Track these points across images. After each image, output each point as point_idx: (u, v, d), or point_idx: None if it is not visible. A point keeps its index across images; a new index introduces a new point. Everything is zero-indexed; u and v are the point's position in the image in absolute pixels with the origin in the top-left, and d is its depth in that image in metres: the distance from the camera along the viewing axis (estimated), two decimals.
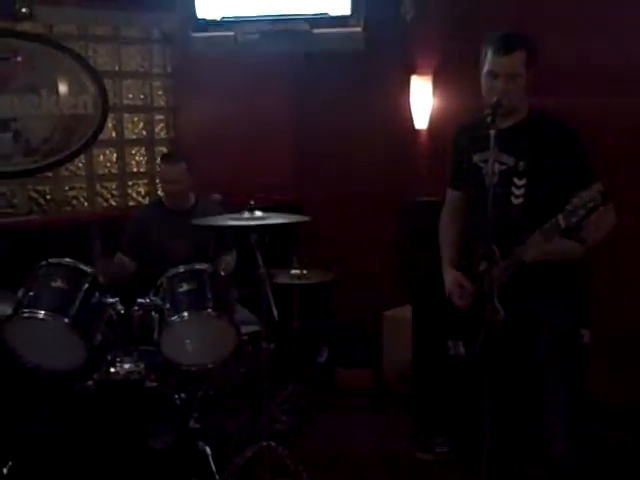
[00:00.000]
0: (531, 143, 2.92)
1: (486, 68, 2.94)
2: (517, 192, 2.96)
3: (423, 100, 4.80)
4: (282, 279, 4.22)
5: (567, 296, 2.99)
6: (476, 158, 3.04)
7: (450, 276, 3.22)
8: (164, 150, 5.25)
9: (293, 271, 4.33)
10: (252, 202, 3.38)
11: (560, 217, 2.67)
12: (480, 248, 2.97)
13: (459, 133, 3.22)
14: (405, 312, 4.49)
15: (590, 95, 3.79)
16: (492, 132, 2.72)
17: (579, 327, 2.99)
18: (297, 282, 4.29)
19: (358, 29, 4.52)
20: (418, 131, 4.88)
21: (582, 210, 2.61)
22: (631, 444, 3.67)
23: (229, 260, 4.26)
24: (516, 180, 2.95)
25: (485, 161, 3.00)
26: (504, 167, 2.98)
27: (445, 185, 3.37)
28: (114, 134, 5.13)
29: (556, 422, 2.97)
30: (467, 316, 3.15)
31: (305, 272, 4.34)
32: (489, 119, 2.74)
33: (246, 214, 3.36)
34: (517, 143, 2.95)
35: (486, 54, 2.95)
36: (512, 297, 2.91)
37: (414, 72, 4.82)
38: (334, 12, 4.52)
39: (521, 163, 2.93)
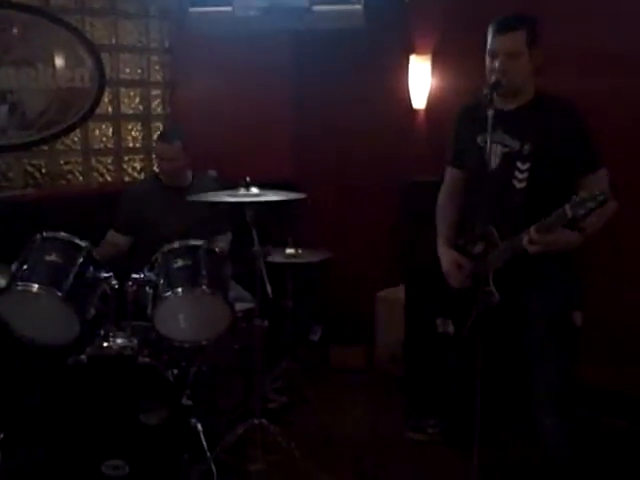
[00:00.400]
0: (536, 126, 2.88)
1: (487, 48, 2.92)
2: (520, 176, 2.91)
3: (422, 80, 4.78)
4: (277, 258, 4.22)
5: (562, 280, 2.97)
6: (480, 139, 2.98)
7: (447, 256, 3.20)
8: (160, 126, 5.23)
9: (288, 250, 4.33)
10: (248, 179, 3.37)
11: (567, 207, 2.59)
12: (478, 229, 2.96)
13: (462, 112, 3.18)
14: (399, 293, 4.50)
15: (591, 79, 3.78)
16: (490, 112, 2.71)
17: (573, 310, 2.99)
18: (292, 261, 4.29)
19: (358, 7, 4.50)
20: (416, 111, 4.87)
21: (591, 203, 2.54)
22: (625, 429, 3.70)
23: (224, 242, 4.25)
24: (519, 164, 2.91)
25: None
26: (507, 150, 2.94)
27: (445, 163, 3.33)
28: (110, 109, 5.08)
29: (544, 402, 2.98)
30: (458, 295, 3.15)
31: (300, 251, 4.34)
32: (487, 99, 2.73)
33: (242, 190, 3.35)
34: (522, 126, 2.91)
35: (488, 36, 2.93)
36: (507, 281, 2.91)
37: (413, 52, 4.80)
38: None
39: (526, 147, 2.89)
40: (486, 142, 2.90)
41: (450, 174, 3.32)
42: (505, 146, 2.95)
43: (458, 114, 3.21)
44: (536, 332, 2.96)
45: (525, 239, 2.75)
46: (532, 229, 2.72)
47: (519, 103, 2.95)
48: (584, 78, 3.79)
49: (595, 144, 2.89)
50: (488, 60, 2.91)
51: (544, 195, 2.86)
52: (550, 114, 2.88)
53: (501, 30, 2.88)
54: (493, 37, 2.90)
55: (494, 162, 2.96)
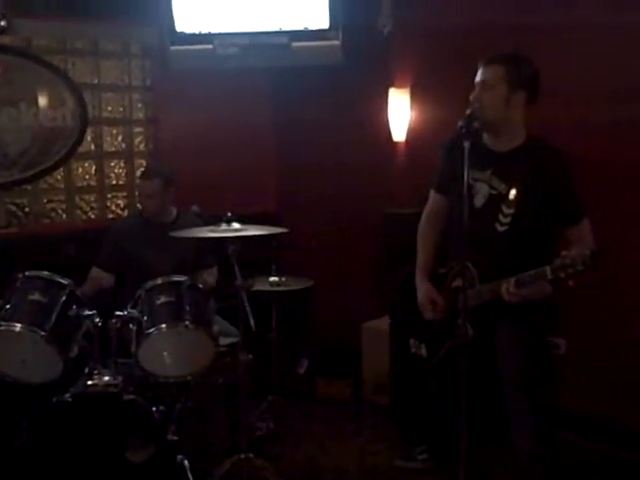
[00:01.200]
0: (525, 172, 2.90)
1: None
2: (504, 220, 2.95)
3: (401, 112, 4.83)
4: (261, 286, 4.24)
5: (536, 308, 2.98)
6: (469, 174, 2.90)
7: (423, 289, 3.25)
8: (143, 162, 5.26)
9: (272, 278, 4.35)
10: (229, 214, 3.39)
11: (548, 270, 2.66)
12: (458, 265, 2.98)
13: (455, 141, 3.01)
14: (384, 323, 4.51)
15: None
16: (466, 144, 2.74)
17: (549, 336, 3.02)
18: (276, 289, 4.30)
19: (336, 42, 4.56)
20: (396, 143, 4.92)
21: (571, 269, 2.59)
22: (610, 454, 3.72)
23: (210, 276, 4.26)
24: (504, 208, 2.94)
25: (477, 180, 3.00)
26: (495, 192, 2.97)
27: (430, 186, 3.36)
28: (93, 147, 5.12)
29: (521, 430, 3.01)
30: (433, 323, 3.19)
31: (284, 279, 4.36)
32: (463, 131, 2.77)
33: (223, 226, 3.37)
34: (511, 170, 2.94)
35: None
36: (482, 317, 2.94)
37: (392, 85, 4.86)
38: (312, 26, 4.56)
39: (512, 191, 2.92)
40: (476, 179, 2.95)
41: (434, 198, 3.35)
42: (492, 188, 2.98)
43: (448, 142, 3.18)
44: (510, 362, 3.00)
45: (504, 288, 2.80)
46: (512, 284, 2.77)
47: (510, 146, 2.98)
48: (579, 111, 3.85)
49: (579, 195, 2.93)
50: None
51: (525, 240, 2.91)
52: (538, 162, 2.90)
53: (482, 62, 2.97)
54: (479, 70, 2.97)
55: (479, 201, 3.01)
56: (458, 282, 2.98)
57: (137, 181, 4.31)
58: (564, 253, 2.62)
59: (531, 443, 2.99)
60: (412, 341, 3.37)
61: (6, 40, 4.63)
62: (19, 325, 3.03)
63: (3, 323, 3.05)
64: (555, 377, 3.07)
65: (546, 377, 3.01)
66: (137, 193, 4.98)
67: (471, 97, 2.94)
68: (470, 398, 2.72)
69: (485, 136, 3.02)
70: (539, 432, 3.00)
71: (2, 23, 4.47)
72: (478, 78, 2.96)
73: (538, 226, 2.92)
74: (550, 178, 2.88)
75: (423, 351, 3.30)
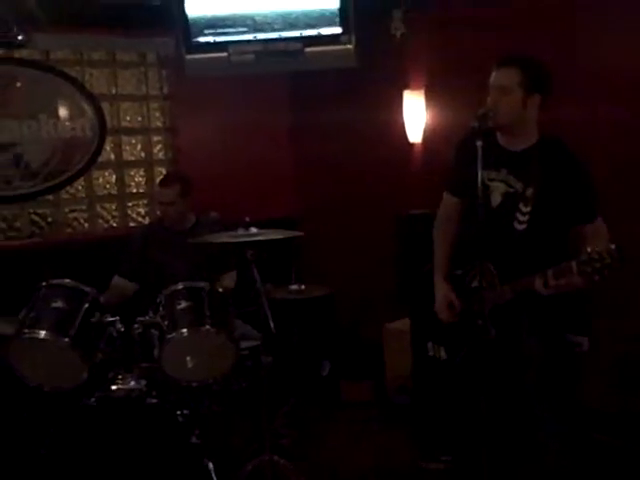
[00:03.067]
0: (541, 171, 2.90)
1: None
2: (521, 218, 2.95)
3: (416, 114, 4.85)
4: (280, 294, 4.26)
5: (559, 306, 2.98)
6: (483, 174, 2.91)
7: (441, 292, 3.25)
8: (163, 170, 5.32)
9: (291, 287, 4.37)
10: (247, 219, 3.43)
11: (574, 264, 2.64)
12: (477, 265, 2.99)
13: (465, 142, 3.05)
14: (405, 325, 4.52)
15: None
16: (479, 144, 2.75)
17: (570, 335, 3.02)
18: (295, 297, 4.33)
19: (349, 47, 4.59)
20: (412, 145, 4.93)
21: (598, 263, 2.57)
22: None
23: (229, 279, 4.30)
24: (522, 206, 2.94)
25: (492, 179, 3.01)
26: (511, 190, 2.98)
27: (444, 188, 3.36)
28: (113, 156, 5.19)
29: (545, 428, 3.00)
30: (452, 325, 3.19)
31: (303, 287, 4.38)
32: (475, 130, 2.78)
33: (241, 231, 3.41)
34: (527, 168, 2.94)
35: None
36: (504, 316, 2.95)
37: (406, 87, 4.88)
38: (326, 31, 4.59)
39: (529, 190, 2.92)
40: (492, 179, 2.95)
41: (448, 200, 3.35)
42: (509, 186, 2.99)
43: (460, 143, 3.19)
44: (533, 360, 2.99)
45: (539, 282, 2.78)
46: (550, 276, 2.74)
47: (525, 145, 2.98)
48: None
49: (593, 193, 2.93)
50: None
51: (544, 238, 2.91)
52: (554, 161, 2.91)
53: (497, 65, 2.96)
54: (493, 72, 2.97)
55: (495, 200, 3.01)
56: (476, 282, 2.98)
57: (157, 190, 4.34)
58: (590, 248, 2.60)
59: (557, 442, 2.97)
60: (430, 344, 3.38)
61: (24, 54, 4.72)
62: (43, 332, 3.07)
63: (27, 330, 3.10)
64: (579, 375, 3.06)
65: (569, 375, 3.01)
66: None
67: (487, 101, 2.94)
68: (492, 399, 2.73)
69: (499, 135, 3.03)
70: (564, 431, 2.98)
71: (20, 37, 4.53)
72: (493, 81, 2.95)
73: (555, 223, 2.92)
74: (565, 176, 2.88)
75: (442, 354, 3.31)
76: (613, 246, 2.57)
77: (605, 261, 2.56)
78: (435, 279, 3.29)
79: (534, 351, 2.99)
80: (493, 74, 2.97)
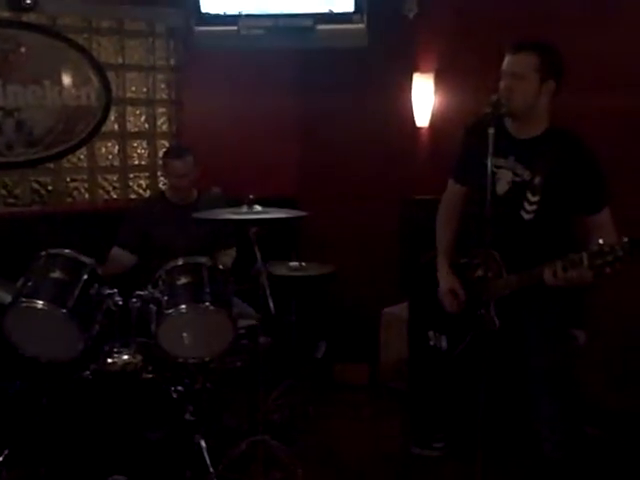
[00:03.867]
0: (550, 159, 2.87)
1: (501, 70, 2.94)
2: (529, 208, 2.92)
3: (425, 98, 4.81)
4: (280, 271, 4.24)
5: (560, 300, 2.97)
6: (489, 162, 2.86)
7: (445, 280, 3.23)
8: (166, 143, 5.27)
9: (291, 263, 4.35)
10: (251, 196, 3.40)
11: (584, 256, 2.60)
12: (481, 254, 2.96)
13: (472, 128, 2.97)
14: (403, 310, 4.50)
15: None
16: (491, 131, 2.71)
17: (569, 328, 3.00)
18: (295, 274, 4.30)
19: (361, 26, 4.55)
20: (419, 129, 4.89)
21: (610, 256, 2.53)
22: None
23: (228, 256, 4.27)
24: (529, 195, 2.91)
25: (500, 167, 2.97)
26: (518, 179, 2.95)
27: (449, 175, 3.33)
28: (116, 126, 5.14)
29: (544, 423, 3.00)
30: (455, 315, 3.17)
31: (303, 264, 4.35)
32: (488, 117, 2.75)
33: (245, 208, 3.37)
34: (535, 157, 2.91)
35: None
36: (507, 308, 2.92)
37: (416, 70, 4.83)
38: (337, 9, 4.54)
39: (537, 178, 2.89)
40: (498, 167, 2.92)
41: (453, 187, 3.33)
42: (516, 174, 2.95)
43: (467, 129, 3.09)
44: (536, 351, 2.98)
45: (548, 273, 2.73)
46: (559, 267, 2.70)
47: (534, 133, 2.95)
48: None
49: (602, 183, 2.89)
50: (501, 80, 2.93)
51: (552, 228, 2.88)
52: (562, 149, 2.87)
53: (511, 50, 2.91)
54: (506, 57, 2.92)
55: (502, 188, 2.98)
56: (481, 272, 2.95)
57: (166, 160, 4.21)
58: (602, 240, 2.56)
59: (555, 434, 2.97)
60: (431, 333, 3.35)
61: (32, 18, 4.66)
62: (41, 302, 3.05)
63: (25, 300, 3.08)
64: (574, 369, 3.05)
65: (569, 369, 2.99)
66: (164, 173, 4.73)
67: (501, 86, 2.90)
68: (492, 389, 2.71)
69: (507, 122, 2.99)
70: (564, 421, 2.98)
71: (28, 1, 4.49)
72: (507, 67, 2.91)
73: (563, 213, 2.89)
74: (573, 165, 2.85)
75: (444, 343, 3.28)
76: (626, 239, 2.54)
77: (617, 254, 2.52)
78: (439, 267, 3.27)
79: (536, 342, 2.97)
80: (507, 59, 2.92)
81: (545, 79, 2.87)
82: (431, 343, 3.35)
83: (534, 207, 2.91)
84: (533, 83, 2.86)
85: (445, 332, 3.28)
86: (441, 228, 3.34)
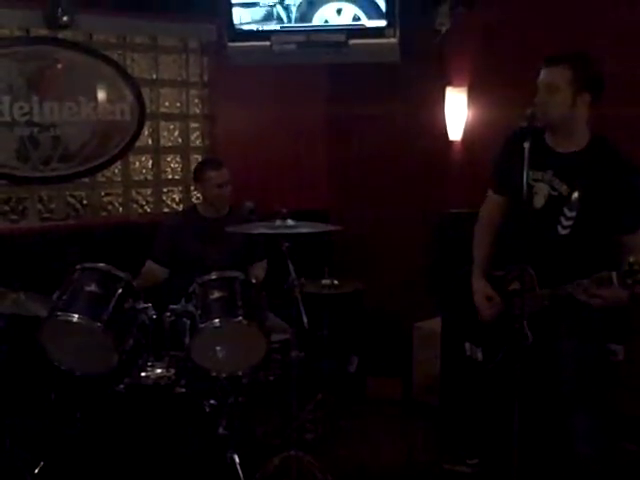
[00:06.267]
0: (588, 175, 2.84)
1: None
2: (565, 223, 2.90)
3: (458, 112, 4.79)
4: (313, 289, 4.23)
5: (595, 314, 2.89)
6: (529, 175, 2.82)
7: (480, 289, 3.20)
8: (199, 158, 5.29)
9: (324, 281, 4.34)
10: (284, 210, 3.40)
11: (614, 275, 2.58)
12: (516, 268, 2.93)
13: (516, 140, 2.89)
14: (436, 324, 4.47)
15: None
16: (526, 145, 2.70)
17: (607, 343, 2.96)
18: (328, 292, 4.30)
19: (393, 40, 4.55)
20: (452, 142, 4.87)
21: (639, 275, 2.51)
22: None
23: (260, 269, 4.28)
24: (566, 211, 2.89)
25: (537, 180, 2.95)
26: (555, 193, 2.92)
27: (488, 185, 3.30)
28: (150, 141, 5.19)
29: (579, 439, 2.95)
30: (490, 327, 3.14)
31: (336, 282, 4.35)
32: (524, 131, 2.73)
33: (278, 222, 3.38)
34: (573, 172, 2.88)
35: None
36: (541, 323, 2.89)
37: (449, 84, 4.82)
38: (370, 24, 4.55)
39: (575, 194, 2.86)
40: (536, 180, 2.90)
41: (492, 198, 3.30)
42: (553, 189, 2.93)
43: (508, 140, 3.11)
44: (571, 369, 2.94)
45: (578, 290, 2.72)
46: (587, 284, 2.68)
47: (573, 148, 2.92)
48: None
49: None
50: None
51: (588, 245, 2.85)
52: (603, 165, 2.84)
53: (546, 62, 2.89)
54: (542, 70, 2.90)
55: (539, 202, 2.96)
56: (515, 285, 2.93)
57: (204, 172, 4.13)
58: (632, 259, 2.53)
59: (591, 450, 2.92)
60: (468, 345, 3.32)
61: (68, 35, 4.73)
62: (76, 316, 3.08)
63: (60, 313, 3.11)
64: (614, 384, 3.01)
65: (606, 384, 2.95)
66: (201, 185, 4.32)
67: (536, 99, 2.88)
68: (525, 404, 2.68)
69: (547, 136, 2.97)
70: (600, 437, 2.94)
71: (65, 19, 4.55)
72: (542, 79, 2.89)
73: (600, 232, 2.86)
74: (612, 182, 2.81)
75: (479, 355, 3.25)
76: None
77: None
78: (474, 277, 3.24)
79: (572, 358, 2.93)
80: (542, 72, 2.90)
81: (579, 91, 2.84)
82: (467, 354, 3.31)
83: (570, 222, 2.88)
84: (567, 95, 2.84)
85: (481, 344, 3.24)
86: (478, 239, 3.31)
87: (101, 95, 4.89)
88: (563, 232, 2.90)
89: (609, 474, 2.98)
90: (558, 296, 2.83)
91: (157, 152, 5.24)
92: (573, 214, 2.87)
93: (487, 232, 3.30)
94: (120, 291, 3.25)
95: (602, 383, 2.94)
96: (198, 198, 4.76)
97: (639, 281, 2.51)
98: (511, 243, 3.05)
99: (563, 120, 2.88)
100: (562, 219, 2.90)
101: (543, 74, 2.90)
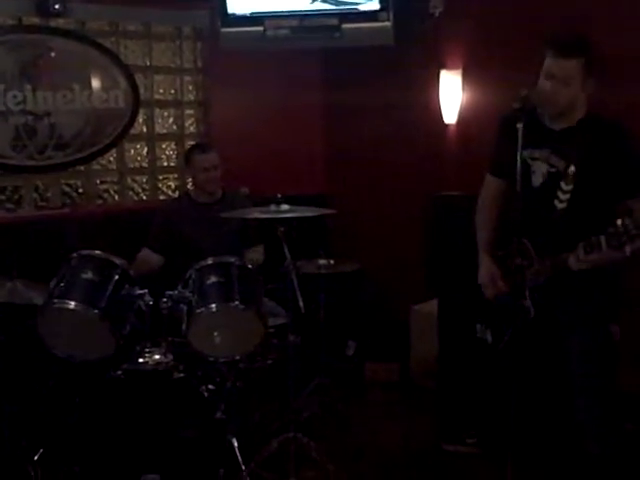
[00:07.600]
0: (583, 148, 2.84)
1: (544, 68, 2.86)
2: (562, 197, 2.89)
3: (452, 95, 4.78)
4: (309, 269, 4.25)
5: (597, 294, 2.94)
6: (525, 153, 2.88)
7: (485, 267, 3.18)
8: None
9: (320, 261, 4.35)
10: (279, 195, 3.40)
11: (602, 238, 2.58)
12: (515, 243, 2.94)
13: (505, 121, 2.95)
14: (433, 306, 4.48)
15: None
16: (519, 126, 2.70)
17: (610, 324, 2.97)
18: (324, 272, 4.31)
19: (387, 24, 4.55)
20: (447, 125, 4.87)
21: (624, 237, 2.50)
22: None
23: (257, 254, 4.29)
24: (563, 185, 2.88)
25: (535, 159, 2.95)
26: (553, 170, 2.92)
27: (486, 169, 3.28)
28: (145, 128, 5.19)
29: (588, 421, 2.95)
30: (496, 307, 3.14)
31: (332, 262, 4.36)
32: (519, 112, 2.72)
33: (273, 207, 3.38)
34: (569, 146, 2.88)
35: (546, 55, 2.86)
36: (543, 296, 2.90)
37: (443, 67, 4.81)
38: (363, 7, 4.54)
39: (571, 168, 2.86)
40: (534, 158, 2.90)
41: (490, 181, 3.27)
42: (551, 166, 2.93)
43: (503, 122, 3.07)
44: (574, 350, 2.95)
45: (573, 257, 2.72)
46: (581, 251, 2.69)
47: (569, 123, 2.91)
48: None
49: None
50: (542, 78, 2.86)
51: (584, 216, 2.85)
52: (597, 136, 2.83)
53: (563, 54, 2.82)
54: (553, 59, 2.83)
55: (537, 180, 2.96)
56: (517, 261, 2.93)
57: (191, 157, 4.09)
58: (619, 222, 2.52)
59: (599, 440, 2.93)
60: (479, 326, 3.31)
61: (61, 23, 4.71)
62: (73, 303, 3.08)
63: (57, 301, 3.11)
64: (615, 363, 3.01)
65: (609, 365, 2.95)
66: (191, 170, 4.30)
67: (545, 86, 2.84)
68: (528, 384, 2.69)
69: (542, 114, 2.96)
70: (607, 427, 2.94)
71: (57, 7, 4.54)
72: (557, 71, 2.81)
73: (597, 201, 2.86)
74: (607, 151, 2.81)
75: (489, 337, 3.25)
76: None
77: (631, 232, 2.49)
78: (480, 257, 3.20)
79: (577, 339, 2.94)
80: (553, 62, 2.82)
81: (587, 79, 2.83)
82: (478, 335, 3.31)
83: (567, 196, 2.88)
84: (578, 84, 2.82)
85: (489, 326, 3.25)
86: (480, 224, 3.27)
87: (95, 83, 4.89)
88: (560, 206, 2.90)
89: (616, 454, 2.98)
90: (559, 266, 2.83)
91: (152, 139, 5.24)
92: (570, 187, 2.87)
93: (488, 217, 3.27)
94: (116, 278, 3.24)
95: (607, 363, 2.95)
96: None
97: (625, 242, 2.50)
98: (512, 224, 3.04)
99: (569, 105, 2.88)
100: (559, 193, 2.89)
101: (556, 66, 2.82)
